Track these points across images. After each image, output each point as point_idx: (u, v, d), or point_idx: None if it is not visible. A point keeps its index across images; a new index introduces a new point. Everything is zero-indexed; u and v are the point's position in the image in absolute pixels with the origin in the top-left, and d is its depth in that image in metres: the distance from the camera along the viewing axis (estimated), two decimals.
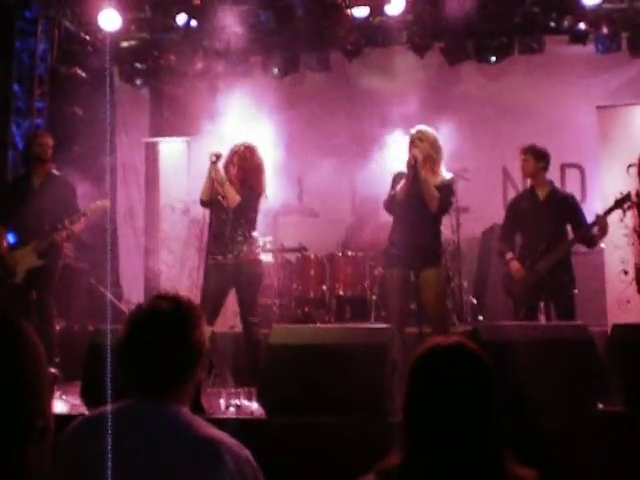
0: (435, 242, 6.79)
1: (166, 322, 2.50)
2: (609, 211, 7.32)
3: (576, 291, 7.31)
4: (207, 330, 5.24)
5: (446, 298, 7.16)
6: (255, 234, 7.07)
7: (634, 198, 7.60)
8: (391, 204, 6.75)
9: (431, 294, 6.60)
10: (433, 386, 2.18)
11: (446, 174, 6.75)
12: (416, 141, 6.62)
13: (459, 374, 2.19)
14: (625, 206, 7.35)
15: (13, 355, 1.55)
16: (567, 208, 7.43)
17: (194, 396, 2.65)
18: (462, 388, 2.17)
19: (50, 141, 7.78)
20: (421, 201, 6.52)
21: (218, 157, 6.86)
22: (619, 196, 7.34)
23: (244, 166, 6.97)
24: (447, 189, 6.70)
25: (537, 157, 7.43)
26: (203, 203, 7.05)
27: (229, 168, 6.97)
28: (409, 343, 6.21)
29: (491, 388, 2.21)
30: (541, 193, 7.49)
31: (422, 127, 6.80)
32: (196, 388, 5.04)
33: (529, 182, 7.80)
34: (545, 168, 7.49)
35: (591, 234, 7.25)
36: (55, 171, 7.90)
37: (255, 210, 7.09)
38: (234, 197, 6.85)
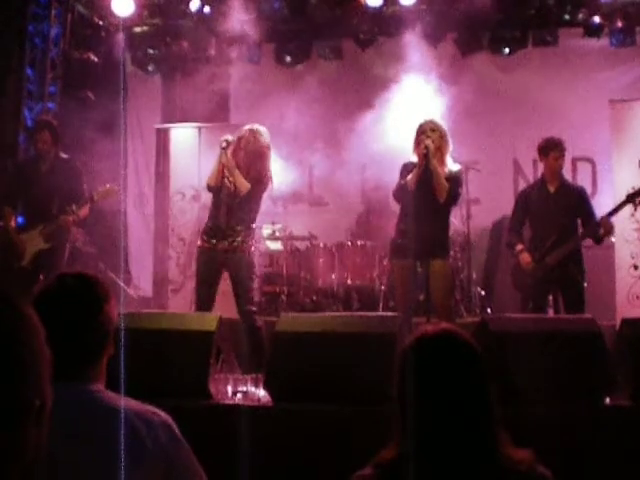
0: (443, 233, 6.80)
1: (71, 298, 2.43)
2: (619, 207, 7.31)
3: (585, 284, 7.30)
4: (214, 317, 5.23)
5: (453, 289, 7.16)
6: (254, 226, 7.08)
7: None
8: (400, 193, 6.76)
9: (438, 285, 6.61)
10: (423, 375, 2.17)
11: (453, 165, 6.76)
12: (428, 131, 6.63)
13: (448, 362, 2.20)
14: (637, 201, 7.33)
15: (11, 333, 1.55)
16: (577, 201, 7.41)
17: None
18: (452, 375, 2.18)
19: (48, 135, 7.77)
20: (430, 191, 6.54)
21: (229, 143, 6.87)
22: (631, 191, 7.32)
23: (249, 150, 6.94)
24: (455, 180, 6.72)
25: (564, 152, 7.45)
26: (210, 188, 7.05)
27: (237, 153, 6.96)
28: None
29: (482, 374, 2.20)
30: (551, 185, 7.47)
31: (431, 119, 6.82)
32: (203, 373, 5.07)
33: (539, 174, 7.78)
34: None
35: (597, 233, 7.24)
36: (63, 154, 7.93)
37: (259, 200, 7.08)
38: (243, 184, 6.84)
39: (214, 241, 6.93)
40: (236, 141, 6.97)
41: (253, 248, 7.10)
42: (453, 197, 6.72)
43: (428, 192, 6.54)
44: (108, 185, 7.73)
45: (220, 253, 6.89)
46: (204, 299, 6.90)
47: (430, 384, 2.17)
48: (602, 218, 7.18)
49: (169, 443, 2.36)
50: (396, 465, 2.17)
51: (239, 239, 6.90)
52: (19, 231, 7.64)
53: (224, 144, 6.84)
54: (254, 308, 6.93)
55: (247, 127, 7.04)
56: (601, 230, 7.19)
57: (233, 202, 6.91)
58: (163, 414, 2.40)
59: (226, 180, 6.91)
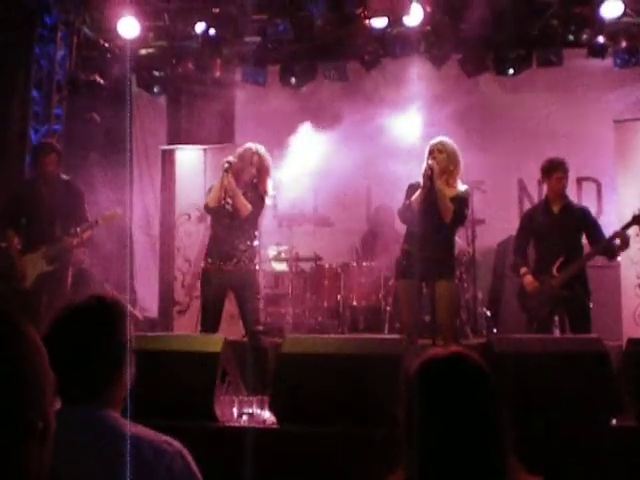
0: (449, 254, 6.79)
1: (86, 319, 2.41)
2: (627, 227, 7.30)
3: (591, 305, 7.28)
4: (219, 338, 5.23)
5: (459, 310, 7.14)
6: (256, 243, 7.10)
7: None
8: (405, 214, 6.75)
9: (444, 306, 6.60)
10: (432, 399, 2.14)
11: (461, 186, 6.75)
12: (435, 152, 6.63)
13: (459, 385, 2.16)
14: None
15: (14, 356, 1.55)
16: (581, 221, 7.41)
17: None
18: (462, 400, 2.14)
19: (55, 158, 7.80)
20: (435, 212, 6.52)
21: (231, 164, 6.89)
22: (637, 212, 7.31)
23: (261, 167, 7.05)
24: (462, 201, 6.70)
25: (568, 173, 7.45)
26: (209, 209, 7.08)
27: (243, 171, 7.00)
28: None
29: (493, 397, 2.17)
30: (555, 206, 7.47)
31: (443, 139, 6.80)
32: (209, 395, 5.06)
33: (544, 194, 7.78)
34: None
35: (612, 246, 7.22)
36: (64, 176, 7.96)
37: (258, 218, 7.14)
38: (246, 207, 6.88)
39: (219, 262, 6.95)
40: (238, 160, 7.00)
41: (257, 267, 7.12)
42: (459, 218, 6.71)
43: (433, 213, 6.52)
44: (112, 210, 7.76)
45: (225, 274, 6.90)
46: (210, 321, 6.90)
47: (439, 408, 2.13)
48: (619, 231, 7.17)
49: (182, 474, 2.34)
50: None
51: (243, 259, 6.93)
52: (22, 253, 7.65)
53: (226, 165, 6.86)
54: (260, 328, 6.94)
55: (248, 146, 7.07)
56: (617, 242, 7.17)
57: (233, 222, 6.94)
58: (177, 444, 2.37)
59: (226, 201, 6.93)
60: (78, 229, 7.53)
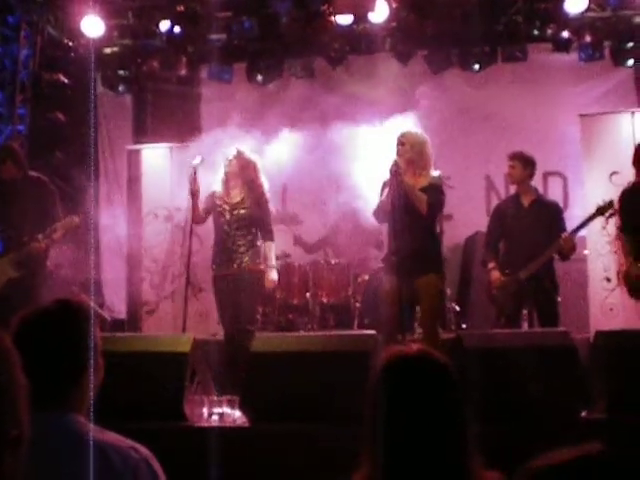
0: (431, 246, 6.70)
1: (50, 324, 2.38)
2: (588, 220, 7.36)
3: (559, 298, 7.32)
4: (188, 338, 5.20)
5: (440, 306, 7.04)
6: (259, 243, 7.16)
7: (616, 205, 7.63)
8: (379, 213, 6.70)
9: (425, 300, 6.56)
10: (398, 395, 2.14)
11: (433, 173, 6.69)
12: (398, 145, 6.60)
13: (424, 383, 2.16)
14: (607, 214, 7.38)
15: None
16: (551, 216, 7.43)
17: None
18: (427, 397, 2.14)
19: (10, 165, 7.52)
20: (409, 206, 6.42)
21: (195, 169, 7.01)
22: (601, 204, 7.36)
23: (244, 176, 7.22)
24: (434, 189, 6.61)
25: (525, 164, 7.45)
26: (199, 223, 7.22)
27: (228, 183, 7.24)
28: None
29: (457, 396, 2.18)
30: (526, 200, 7.49)
31: (407, 130, 6.77)
32: (178, 395, 5.03)
33: (513, 189, 7.81)
34: (531, 175, 7.51)
35: (561, 250, 7.25)
36: (32, 173, 7.73)
37: (260, 218, 7.23)
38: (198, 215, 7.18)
39: (224, 268, 7.15)
40: (224, 174, 7.28)
41: (262, 267, 7.15)
42: (434, 207, 6.59)
43: (406, 208, 6.39)
44: (69, 218, 7.58)
45: (232, 277, 7.10)
46: (227, 323, 7.09)
47: (403, 405, 2.13)
48: (564, 235, 7.18)
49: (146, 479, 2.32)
50: None
51: (246, 259, 7.10)
52: None
53: (191, 171, 7.01)
54: (252, 328, 6.98)
55: (231, 157, 7.29)
56: (562, 248, 7.19)
57: (230, 225, 7.06)
58: (143, 450, 2.34)
59: (234, 211, 7.17)
60: (40, 236, 7.37)
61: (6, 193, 7.56)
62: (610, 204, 7.36)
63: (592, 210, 7.40)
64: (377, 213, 6.75)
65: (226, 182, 7.26)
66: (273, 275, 7.30)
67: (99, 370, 2.48)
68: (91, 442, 2.23)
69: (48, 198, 7.59)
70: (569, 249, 7.22)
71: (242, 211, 7.18)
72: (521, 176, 7.49)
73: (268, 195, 7.38)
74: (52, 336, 2.37)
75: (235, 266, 7.11)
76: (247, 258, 7.12)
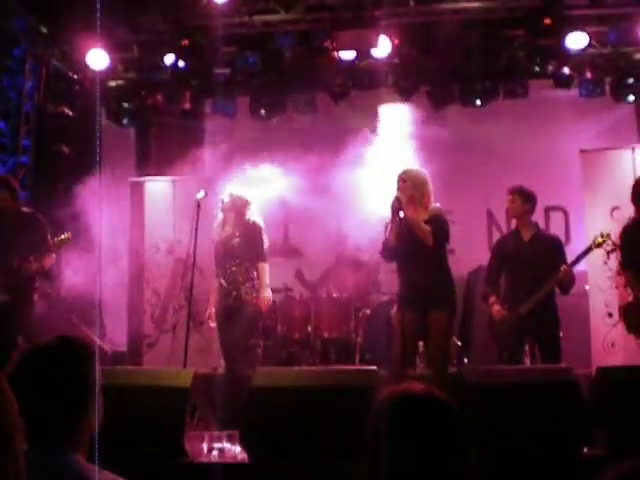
0: (441, 282, 6.63)
1: (51, 361, 2.38)
2: (585, 253, 7.40)
3: (561, 334, 7.31)
4: (188, 373, 5.19)
5: (448, 342, 7.00)
6: (254, 275, 7.27)
7: (617, 240, 7.65)
8: (386, 251, 6.69)
9: (436, 339, 6.52)
10: (402, 434, 2.14)
11: (433, 205, 6.70)
12: (399, 182, 6.61)
13: (428, 423, 2.17)
14: (605, 247, 7.41)
15: None
16: (552, 250, 7.43)
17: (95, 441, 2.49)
18: (431, 436, 2.15)
19: (6, 194, 7.62)
20: (415, 242, 6.43)
21: (199, 202, 7.29)
22: (598, 236, 7.40)
23: (235, 212, 7.50)
24: (437, 218, 6.60)
25: (525, 198, 7.47)
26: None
27: (223, 222, 7.51)
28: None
29: (459, 436, 2.18)
30: (526, 235, 7.50)
31: (408, 168, 6.78)
32: (179, 431, 5.01)
33: (514, 224, 7.82)
34: (532, 210, 7.52)
35: (563, 282, 7.24)
36: (25, 209, 7.88)
37: (251, 247, 7.41)
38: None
39: (222, 299, 7.38)
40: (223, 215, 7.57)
41: (258, 300, 7.24)
42: (441, 237, 6.56)
43: (412, 243, 6.40)
44: (62, 235, 7.69)
45: (228, 309, 7.32)
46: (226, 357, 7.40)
47: (404, 443, 2.14)
48: (563, 267, 7.19)
49: None
50: None
51: (242, 291, 7.30)
52: None
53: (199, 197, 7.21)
54: (248, 361, 7.06)
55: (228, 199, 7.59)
56: (562, 279, 7.19)
57: (226, 257, 7.19)
58: None
59: (215, 239, 7.49)
60: (32, 257, 7.44)
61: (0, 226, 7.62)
62: (607, 236, 7.40)
63: (590, 243, 7.45)
64: (384, 252, 6.74)
65: (222, 221, 7.54)
66: (267, 293, 7.43)
67: (99, 408, 2.47)
68: None
69: (39, 232, 7.66)
70: (568, 281, 7.22)
71: (233, 242, 7.41)
72: (521, 210, 7.50)
73: (261, 226, 7.58)
74: (52, 374, 2.37)
75: (232, 299, 7.31)
76: (243, 290, 7.30)
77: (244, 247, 7.40)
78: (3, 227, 7.64)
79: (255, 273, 7.38)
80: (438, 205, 6.76)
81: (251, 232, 7.48)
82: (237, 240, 7.40)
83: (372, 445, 2.19)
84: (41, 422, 2.32)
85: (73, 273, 8.58)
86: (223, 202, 7.52)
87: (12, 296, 7.47)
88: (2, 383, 1.61)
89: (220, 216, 7.55)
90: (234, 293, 7.30)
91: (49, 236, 7.70)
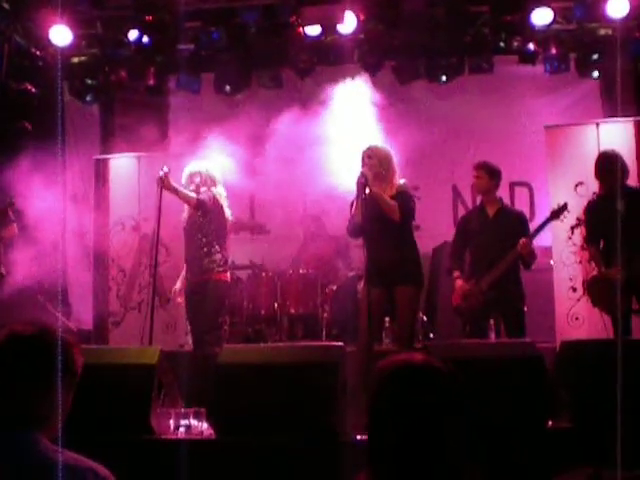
0: (408, 256, 6.70)
1: (22, 346, 2.43)
2: (543, 225, 7.46)
3: (525, 307, 7.37)
4: (154, 350, 5.19)
5: (415, 317, 7.06)
6: (215, 250, 7.18)
7: (582, 216, 7.72)
8: (352, 228, 6.70)
9: (400, 312, 6.58)
10: (404, 404, 2.18)
11: (399, 181, 6.72)
12: (365, 159, 6.62)
13: (431, 392, 2.20)
14: (562, 218, 7.46)
15: None
16: (516, 225, 7.49)
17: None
18: (433, 405, 2.18)
19: None
20: (381, 216, 6.46)
21: (164, 178, 7.02)
22: (555, 207, 7.47)
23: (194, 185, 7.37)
24: (403, 194, 6.66)
25: (490, 174, 7.51)
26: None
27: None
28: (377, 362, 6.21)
29: (461, 405, 2.22)
30: (490, 210, 7.55)
31: (373, 144, 6.81)
32: (145, 408, 5.00)
33: (479, 199, 7.86)
34: (497, 186, 7.57)
35: (522, 255, 7.29)
36: None
37: (211, 225, 7.25)
38: (189, 198, 7.19)
39: (189, 276, 7.33)
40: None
41: (219, 276, 7.18)
42: (407, 212, 6.63)
43: (378, 218, 6.45)
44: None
45: (192, 287, 7.26)
46: (198, 335, 7.25)
47: (407, 413, 2.17)
48: (521, 240, 7.23)
49: None
50: None
51: (203, 267, 7.20)
52: None
53: (160, 182, 7.05)
54: (211, 339, 7.01)
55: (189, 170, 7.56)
56: (521, 252, 7.23)
57: (188, 234, 7.16)
58: (102, 471, 2.34)
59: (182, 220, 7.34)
60: None
61: None
62: (564, 207, 7.46)
63: (557, 222, 7.51)
64: (350, 229, 6.76)
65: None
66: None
67: (70, 393, 2.50)
68: (52, 464, 2.22)
69: None
70: (527, 254, 7.27)
71: (193, 218, 7.35)
72: (487, 186, 7.55)
73: (219, 199, 7.50)
74: (30, 361, 2.41)
75: (194, 275, 7.26)
76: (203, 265, 7.22)
77: (203, 224, 7.33)
78: None
79: (216, 249, 7.31)
80: (404, 181, 6.78)
81: (212, 210, 7.40)
82: (196, 217, 7.34)
83: (374, 416, 2.23)
84: (8, 404, 2.33)
85: (37, 252, 8.52)
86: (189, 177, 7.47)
87: None
88: None
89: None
90: (195, 270, 7.26)
91: (9, 209, 7.69)
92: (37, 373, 2.40)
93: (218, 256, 7.27)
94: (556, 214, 7.44)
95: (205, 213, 7.26)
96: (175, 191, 7.12)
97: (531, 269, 7.62)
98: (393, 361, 2.27)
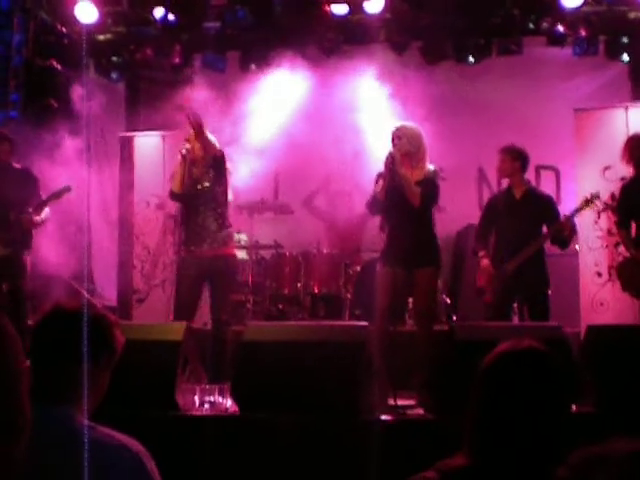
0: (427, 238, 6.71)
1: (66, 320, 2.45)
2: (576, 211, 7.40)
3: (550, 292, 7.33)
4: (180, 326, 5.21)
5: (435, 299, 7.07)
6: (228, 222, 7.08)
7: (609, 200, 7.66)
8: (373, 205, 6.70)
9: (421, 295, 6.58)
10: (509, 390, 2.24)
11: (429, 166, 6.71)
12: (395, 139, 6.60)
13: (535, 378, 2.26)
14: (593, 205, 7.43)
15: None
16: (543, 208, 7.45)
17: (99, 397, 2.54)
18: (538, 392, 2.24)
19: (7, 147, 7.77)
20: (403, 199, 6.46)
21: (188, 151, 6.93)
22: (588, 196, 7.42)
23: (209, 154, 7.09)
24: (429, 183, 6.65)
25: (514, 157, 7.46)
26: (174, 196, 7.09)
27: (194, 158, 7.09)
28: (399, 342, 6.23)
29: (564, 391, 2.30)
30: (517, 192, 7.51)
31: (403, 124, 6.79)
32: (170, 384, 5.02)
33: (507, 182, 7.81)
34: (523, 168, 7.51)
35: (561, 234, 7.28)
36: (17, 164, 7.91)
37: (226, 195, 7.10)
38: (214, 145, 7.02)
39: (193, 248, 6.94)
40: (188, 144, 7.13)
41: (235, 251, 7.12)
42: (428, 200, 6.64)
43: (400, 200, 6.46)
44: (62, 186, 7.75)
45: (199, 259, 6.91)
46: (184, 310, 6.86)
47: (518, 399, 2.23)
48: (564, 218, 7.23)
49: (136, 478, 2.30)
50: (463, 473, 2.21)
51: (217, 240, 6.96)
52: None
53: (184, 151, 6.91)
54: (224, 318, 6.91)
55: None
56: (564, 232, 7.22)
57: (200, 204, 6.96)
58: (135, 447, 2.33)
59: (197, 185, 6.99)
60: (30, 209, 7.52)
61: None
62: (596, 196, 7.41)
63: (580, 202, 7.49)
64: (370, 205, 6.76)
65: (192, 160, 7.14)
66: None
67: (106, 374, 2.57)
68: (84, 438, 2.22)
69: (32, 186, 7.80)
70: (570, 229, 7.24)
71: (204, 181, 7.10)
72: (510, 169, 7.50)
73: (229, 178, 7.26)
74: (66, 333, 2.42)
75: (205, 247, 6.92)
76: (218, 239, 6.96)
77: (219, 196, 7.11)
78: (2, 181, 7.68)
79: (228, 221, 7.12)
80: (434, 167, 6.76)
81: (223, 182, 7.21)
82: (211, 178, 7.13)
83: (478, 398, 2.30)
84: (45, 379, 2.35)
85: (63, 229, 8.56)
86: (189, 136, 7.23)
87: (10, 250, 7.51)
88: (5, 324, 1.59)
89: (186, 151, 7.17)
90: (207, 242, 6.94)
91: (41, 192, 7.76)
92: (78, 348, 2.39)
93: (231, 230, 7.16)
94: (588, 202, 7.40)
95: (220, 174, 7.08)
96: (204, 137, 6.98)
97: (567, 248, 7.59)
98: (498, 350, 2.35)
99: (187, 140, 7.10)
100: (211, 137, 7.09)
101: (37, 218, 7.65)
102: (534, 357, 2.29)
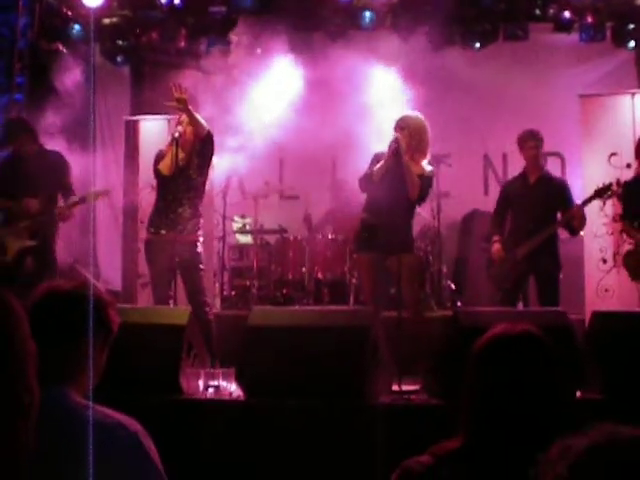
0: (408, 228, 6.73)
1: (58, 300, 2.44)
2: (588, 200, 7.39)
3: (561, 276, 7.35)
4: (185, 311, 5.21)
5: (423, 282, 7.12)
6: (199, 212, 7.09)
7: (615, 188, 7.64)
8: (366, 183, 6.68)
9: (409, 279, 6.56)
10: (503, 374, 2.25)
11: (427, 166, 6.69)
12: (397, 130, 6.56)
13: (529, 361, 2.27)
14: (605, 196, 7.42)
15: (2, 327, 1.51)
16: (557, 193, 7.45)
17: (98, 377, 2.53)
18: (530, 376, 2.25)
19: (24, 136, 7.70)
20: (399, 185, 6.42)
21: (181, 134, 6.92)
22: (600, 186, 7.40)
23: (197, 131, 7.10)
24: (427, 181, 6.66)
25: (542, 143, 7.52)
26: (160, 177, 7.12)
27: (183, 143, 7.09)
28: (388, 327, 6.20)
29: (558, 375, 2.30)
30: (532, 177, 7.53)
31: (407, 114, 6.75)
32: (174, 368, 5.03)
33: (520, 167, 7.81)
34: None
35: (571, 222, 7.29)
36: (47, 147, 7.88)
37: (204, 184, 7.19)
38: (202, 124, 7.03)
39: (164, 232, 6.98)
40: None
41: (201, 239, 7.10)
42: (423, 196, 6.68)
43: (397, 186, 6.42)
44: (100, 189, 7.73)
45: (169, 243, 6.88)
46: (162, 294, 6.90)
47: (512, 382, 2.23)
48: (575, 207, 7.23)
49: (136, 457, 2.28)
50: (457, 455, 2.22)
51: (188, 227, 6.98)
52: (3, 227, 7.55)
53: (176, 134, 6.90)
54: (205, 298, 6.93)
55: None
56: (574, 220, 7.24)
57: (179, 190, 7.04)
58: (132, 426, 2.30)
59: (182, 172, 7.06)
60: (64, 204, 7.48)
61: (19, 166, 7.62)
62: (608, 187, 7.40)
63: (591, 192, 7.45)
64: (363, 182, 6.73)
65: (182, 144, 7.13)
66: None
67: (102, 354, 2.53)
68: (82, 418, 2.22)
69: (62, 170, 7.68)
70: (580, 218, 7.24)
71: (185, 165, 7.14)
72: (539, 155, 7.57)
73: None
74: (58, 313, 2.41)
75: (176, 232, 6.94)
76: (189, 226, 7.00)
77: (198, 185, 7.20)
78: (27, 171, 7.63)
79: (199, 211, 7.18)
80: (431, 168, 6.75)
81: (205, 173, 7.30)
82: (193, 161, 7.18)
83: (472, 382, 2.30)
84: (41, 358, 2.34)
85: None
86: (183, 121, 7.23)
87: (37, 241, 7.50)
88: (13, 303, 1.59)
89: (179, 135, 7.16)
90: (178, 228, 6.99)
91: (71, 178, 7.70)
92: (72, 327, 2.39)
93: (200, 220, 7.17)
94: (599, 193, 7.38)
95: (204, 163, 7.12)
96: (190, 113, 6.95)
97: (577, 235, 7.60)
98: (491, 334, 2.35)
99: (179, 123, 7.10)
100: (198, 116, 7.06)
101: (68, 214, 7.58)
102: (527, 341, 2.29)
